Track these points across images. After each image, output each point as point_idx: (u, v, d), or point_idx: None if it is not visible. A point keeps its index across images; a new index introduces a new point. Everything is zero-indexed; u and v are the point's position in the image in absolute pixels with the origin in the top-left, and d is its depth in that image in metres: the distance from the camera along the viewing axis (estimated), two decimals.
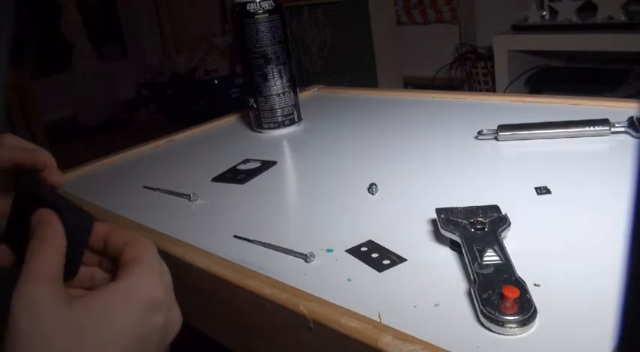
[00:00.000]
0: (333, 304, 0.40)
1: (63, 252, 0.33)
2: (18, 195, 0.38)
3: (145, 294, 0.32)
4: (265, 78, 0.83)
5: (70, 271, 0.34)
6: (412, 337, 0.35)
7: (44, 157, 0.39)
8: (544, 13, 2.02)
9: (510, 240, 0.45)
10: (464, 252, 0.43)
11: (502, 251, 0.42)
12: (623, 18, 1.81)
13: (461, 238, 0.44)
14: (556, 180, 0.55)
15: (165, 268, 0.35)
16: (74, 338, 0.29)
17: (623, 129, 0.64)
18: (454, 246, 0.46)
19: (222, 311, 0.49)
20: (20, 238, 0.35)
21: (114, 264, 0.35)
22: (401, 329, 0.36)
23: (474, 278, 0.39)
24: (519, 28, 2.06)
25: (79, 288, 0.36)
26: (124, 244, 0.35)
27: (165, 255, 0.52)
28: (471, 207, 0.48)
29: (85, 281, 0.37)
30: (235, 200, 0.64)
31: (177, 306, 0.34)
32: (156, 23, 3.87)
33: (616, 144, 0.63)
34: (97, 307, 0.30)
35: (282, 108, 0.84)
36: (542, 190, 0.54)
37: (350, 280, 0.44)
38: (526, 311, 0.36)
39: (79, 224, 0.35)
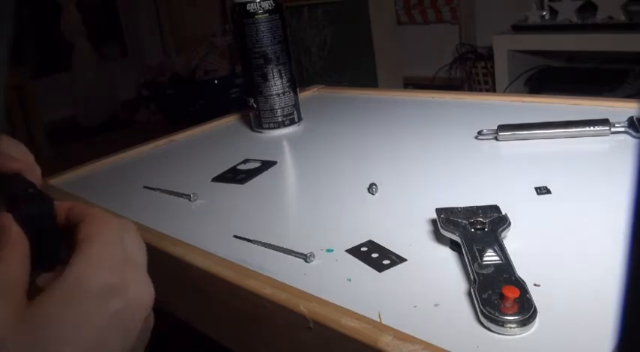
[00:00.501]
0: (333, 304, 0.40)
1: (23, 257, 0.31)
2: None
3: (93, 284, 0.30)
4: (265, 78, 0.83)
5: (45, 260, 0.33)
6: (412, 337, 0.35)
7: (19, 164, 0.37)
8: (544, 13, 2.02)
9: (510, 240, 0.45)
10: (464, 252, 0.43)
11: (502, 251, 0.42)
12: (623, 18, 1.82)
13: (461, 238, 0.44)
14: (556, 180, 0.55)
15: (129, 241, 0.33)
16: None
17: (623, 129, 0.64)
18: (454, 246, 0.46)
19: (222, 311, 0.49)
20: None
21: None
22: (401, 329, 0.36)
23: (474, 278, 0.39)
24: (519, 28, 2.06)
25: None
26: (80, 221, 0.33)
27: (165, 255, 0.52)
28: (471, 207, 0.48)
29: None
30: (235, 200, 0.64)
31: (142, 280, 0.32)
32: (156, 23, 3.88)
33: (616, 144, 0.63)
34: (45, 314, 0.29)
35: (282, 108, 0.84)
36: (542, 190, 0.54)
37: (350, 280, 0.44)
38: (526, 311, 0.36)
39: (37, 212, 0.33)
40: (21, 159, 0.37)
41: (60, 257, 0.34)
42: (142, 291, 0.32)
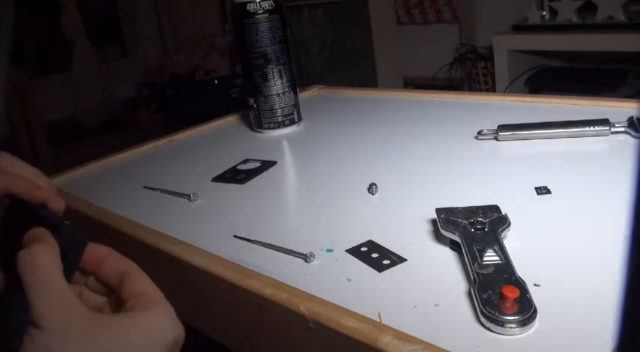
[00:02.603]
0: (333, 304, 0.40)
1: (58, 267, 0.32)
2: (10, 212, 0.37)
3: (169, 337, 0.32)
4: (265, 78, 0.83)
5: None
6: (412, 337, 0.35)
7: (44, 193, 0.38)
8: (544, 13, 2.02)
9: (510, 240, 0.45)
10: (464, 252, 0.43)
11: (502, 251, 0.42)
12: (623, 18, 1.82)
13: (461, 238, 0.44)
14: (556, 180, 0.55)
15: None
16: None
17: (623, 129, 0.64)
18: (454, 246, 0.46)
19: (222, 312, 0.49)
20: (12, 257, 0.34)
21: (105, 287, 0.36)
22: (401, 329, 0.36)
23: (474, 278, 0.39)
24: (519, 28, 2.06)
25: None
26: (122, 273, 0.35)
27: (165, 255, 0.52)
28: (471, 207, 0.48)
29: None
30: (235, 200, 0.64)
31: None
32: (156, 23, 3.88)
33: (616, 144, 0.63)
34: (120, 333, 0.31)
35: (282, 108, 0.84)
36: (542, 190, 0.54)
37: (350, 280, 0.44)
38: (526, 311, 0.36)
39: (74, 241, 0.34)
40: (44, 187, 0.38)
41: None
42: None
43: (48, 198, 0.37)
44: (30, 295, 0.30)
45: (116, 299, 0.35)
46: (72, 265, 0.34)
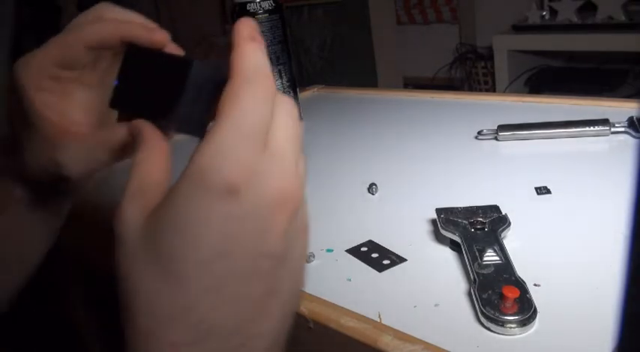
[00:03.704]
0: (333, 304, 0.40)
1: (162, 161, 0.30)
2: (129, 56, 0.35)
3: (215, 181, 0.25)
4: None
5: (187, 127, 0.32)
6: (412, 337, 0.35)
7: (162, 35, 0.35)
8: (544, 13, 2.02)
9: (510, 240, 0.45)
10: (464, 252, 0.43)
11: (502, 251, 0.42)
12: (623, 18, 1.82)
13: (461, 238, 0.44)
14: (556, 180, 0.55)
15: (278, 122, 0.28)
16: (152, 263, 0.26)
17: (623, 129, 0.64)
18: (454, 246, 0.46)
19: None
20: (143, 98, 0.33)
21: None
22: (401, 329, 0.36)
23: (474, 278, 0.39)
24: (519, 28, 2.06)
25: None
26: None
27: None
28: (471, 207, 0.48)
29: None
30: None
31: (277, 173, 0.26)
32: (156, 23, 3.87)
33: (616, 144, 0.63)
34: (167, 216, 0.26)
35: None
36: (542, 190, 0.54)
37: (350, 280, 0.44)
38: (526, 311, 0.36)
39: (208, 78, 0.31)
40: (155, 28, 0.36)
41: (202, 132, 0.32)
42: (278, 186, 0.26)
43: (166, 40, 0.36)
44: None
45: None
46: (207, 104, 0.32)
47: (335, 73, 2.83)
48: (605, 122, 0.64)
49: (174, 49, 0.36)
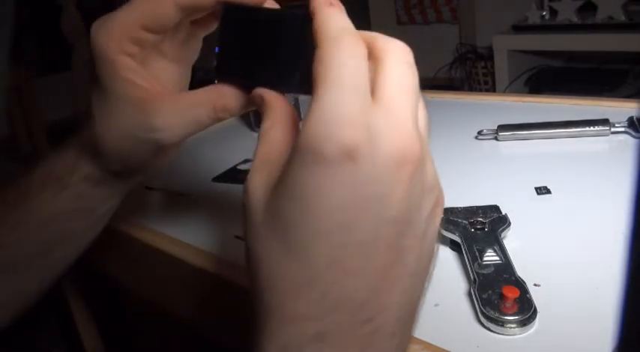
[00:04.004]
0: None
1: (288, 130, 0.29)
2: (226, 18, 0.33)
3: (329, 148, 0.23)
4: None
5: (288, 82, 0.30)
6: (412, 337, 0.35)
7: None
8: (544, 13, 2.02)
9: (510, 240, 0.45)
10: (464, 252, 0.43)
11: (502, 251, 0.42)
12: (623, 18, 1.82)
13: (461, 238, 0.44)
14: (556, 180, 0.55)
15: (390, 74, 0.26)
16: (273, 237, 0.26)
17: (623, 129, 0.64)
18: (454, 246, 0.46)
19: (222, 312, 0.49)
20: (253, 63, 0.31)
21: None
22: None
23: (474, 278, 0.39)
24: (519, 28, 2.06)
25: None
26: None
27: (165, 255, 0.52)
28: (471, 207, 0.48)
29: None
30: (235, 200, 0.64)
31: (395, 131, 0.25)
32: None
33: (616, 144, 0.63)
34: (286, 187, 0.25)
35: None
36: (542, 190, 0.54)
37: None
38: (526, 311, 0.36)
39: (300, 26, 0.29)
40: None
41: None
42: (395, 143, 0.24)
43: None
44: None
45: None
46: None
47: None
48: (605, 122, 0.64)
49: (271, 3, 0.34)
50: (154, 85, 0.37)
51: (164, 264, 0.53)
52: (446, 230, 0.46)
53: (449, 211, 0.48)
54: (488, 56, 2.26)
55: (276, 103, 0.30)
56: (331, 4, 0.28)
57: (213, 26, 0.39)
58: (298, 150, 0.25)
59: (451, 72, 2.53)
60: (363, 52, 0.26)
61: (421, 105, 0.27)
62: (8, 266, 0.44)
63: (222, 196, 0.65)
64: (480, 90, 2.38)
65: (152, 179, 0.44)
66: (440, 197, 0.29)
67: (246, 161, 0.74)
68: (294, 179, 0.25)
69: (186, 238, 0.53)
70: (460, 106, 0.85)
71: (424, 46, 2.70)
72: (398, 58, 0.27)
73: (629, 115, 0.65)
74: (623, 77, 1.93)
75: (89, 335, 0.83)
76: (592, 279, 0.40)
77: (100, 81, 0.36)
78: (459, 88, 2.50)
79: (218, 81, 0.35)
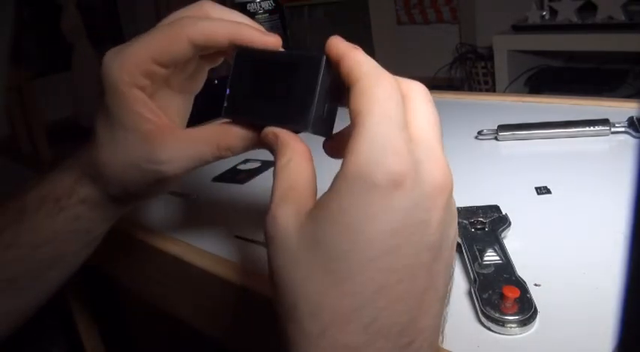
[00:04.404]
0: None
1: (309, 163, 0.31)
2: (240, 60, 0.35)
3: (378, 176, 0.25)
4: None
5: (321, 123, 0.31)
6: None
7: (274, 38, 0.35)
8: (544, 13, 2.02)
9: (510, 240, 0.45)
10: (464, 251, 0.43)
11: (502, 251, 0.42)
12: (623, 18, 1.82)
13: (461, 238, 0.44)
14: (556, 180, 0.55)
15: (416, 111, 0.28)
16: (317, 265, 0.26)
17: (623, 129, 0.64)
18: None
19: (223, 312, 0.49)
20: (263, 104, 0.32)
21: None
22: None
23: (474, 278, 0.39)
24: (519, 28, 2.06)
25: None
26: (353, 85, 0.28)
27: (165, 255, 0.52)
28: (471, 207, 0.48)
29: None
30: (236, 200, 0.64)
31: (433, 159, 0.27)
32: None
33: (616, 144, 0.63)
34: (327, 215, 0.26)
35: None
36: (542, 190, 0.54)
37: None
38: (526, 311, 0.36)
39: (314, 68, 0.31)
40: (267, 32, 0.36)
41: (328, 128, 0.33)
42: (434, 173, 0.26)
43: (280, 43, 0.35)
44: None
45: None
46: (331, 101, 0.32)
47: None
48: (605, 122, 0.64)
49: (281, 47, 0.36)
50: (161, 117, 0.38)
51: (164, 264, 0.53)
52: None
53: None
54: (488, 56, 2.26)
55: (291, 140, 0.31)
56: (355, 48, 0.30)
57: (220, 60, 0.41)
58: (345, 178, 0.26)
59: (451, 72, 2.53)
60: (398, 88, 0.28)
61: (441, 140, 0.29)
62: (3, 284, 0.44)
63: (222, 196, 0.65)
64: (480, 90, 2.38)
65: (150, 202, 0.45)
66: (456, 228, 0.30)
67: (246, 161, 0.74)
68: (342, 205, 0.25)
69: (186, 238, 0.54)
70: (460, 106, 0.85)
71: (424, 46, 2.70)
72: (424, 97, 0.29)
73: (629, 115, 0.65)
74: (623, 77, 1.93)
75: (89, 335, 0.83)
76: (592, 279, 0.40)
77: (109, 110, 0.37)
78: (459, 88, 2.50)
79: (227, 119, 0.37)
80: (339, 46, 0.30)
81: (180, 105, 0.42)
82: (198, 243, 0.52)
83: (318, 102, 0.31)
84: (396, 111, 0.26)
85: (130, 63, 0.36)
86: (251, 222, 0.57)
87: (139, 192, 0.41)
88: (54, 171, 0.44)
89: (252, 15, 0.81)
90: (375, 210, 0.25)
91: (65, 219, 0.42)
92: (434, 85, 2.54)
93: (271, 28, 0.82)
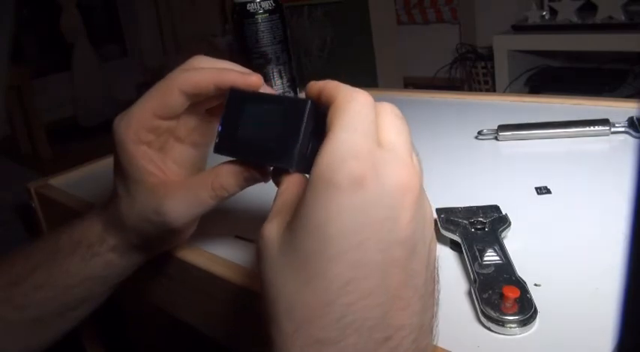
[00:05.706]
0: None
1: (300, 187, 0.32)
2: (231, 101, 0.37)
3: (338, 176, 0.27)
4: (265, 78, 0.83)
5: (286, 158, 0.33)
6: None
7: (257, 78, 0.38)
8: (544, 13, 2.02)
9: (510, 240, 0.45)
10: (464, 251, 0.43)
11: (502, 251, 0.42)
12: (623, 18, 1.82)
13: (461, 238, 0.44)
14: (556, 180, 0.55)
15: (384, 125, 0.30)
16: (290, 266, 0.28)
17: (623, 129, 0.64)
18: (454, 246, 0.46)
19: (223, 312, 0.49)
20: (252, 142, 0.35)
21: None
22: None
23: (474, 278, 0.39)
24: (519, 28, 2.06)
25: None
26: (330, 106, 0.31)
27: (165, 256, 0.52)
28: (471, 207, 0.48)
29: None
30: (236, 200, 0.63)
31: (396, 163, 0.28)
32: (156, 23, 3.88)
33: (616, 144, 0.63)
34: (301, 221, 0.28)
35: None
36: (542, 190, 0.54)
37: None
38: (526, 311, 0.36)
39: (300, 110, 0.33)
40: (249, 72, 0.39)
41: (294, 160, 0.34)
42: (397, 174, 0.28)
43: (261, 82, 0.38)
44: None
45: None
46: (315, 139, 0.33)
47: (335, 73, 2.83)
48: (605, 122, 0.64)
49: (268, 90, 0.39)
50: (166, 171, 0.42)
51: (164, 264, 0.53)
52: (446, 230, 0.46)
53: (449, 211, 0.48)
54: (489, 56, 2.26)
55: (289, 175, 0.34)
56: (333, 80, 0.33)
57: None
58: (311, 183, 0.28)
59: (451, 72, 2.53)
60: (372, 104, 0.30)
61: (414, 152, 0.31)
62: (29, 322, 0.47)
63: None
64: (480, 90, 2.38)
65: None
66: (432, 231, 0.31)
67: None
68: (308, 209, 0.27)
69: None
70: (460, 106, 0.85)
71: (424, 46, 2.70)
72: (395, 114, 0.31)
73: (629, 115, 0.65)
74: (623, 77, 1.93)
75: (89, 335, 0.83)
76: (592, 279, 0.40)
77: (121, 166, 0.42)
78: (459, 88, 2.50)
79: (221, 155, 0.39)
80: (317, 83, 0.33)
81: (192, 156, 0.45)
82: (198, 243, 0.52)
83: (302, 143, 0.33)
84: (363, 122, 0.28)
85: (134, 121, 0.41)
86: (251, 222, 0.57)
87: (156, 241, 0.45)
88: (83, 217, 0.47)
89: (252, 15, 0.81)
90: (337, 208, 0.26)
91: (97, 264, 0.46)
92: (434, 85, 2.54)
93: (271, 28, 0.82)
